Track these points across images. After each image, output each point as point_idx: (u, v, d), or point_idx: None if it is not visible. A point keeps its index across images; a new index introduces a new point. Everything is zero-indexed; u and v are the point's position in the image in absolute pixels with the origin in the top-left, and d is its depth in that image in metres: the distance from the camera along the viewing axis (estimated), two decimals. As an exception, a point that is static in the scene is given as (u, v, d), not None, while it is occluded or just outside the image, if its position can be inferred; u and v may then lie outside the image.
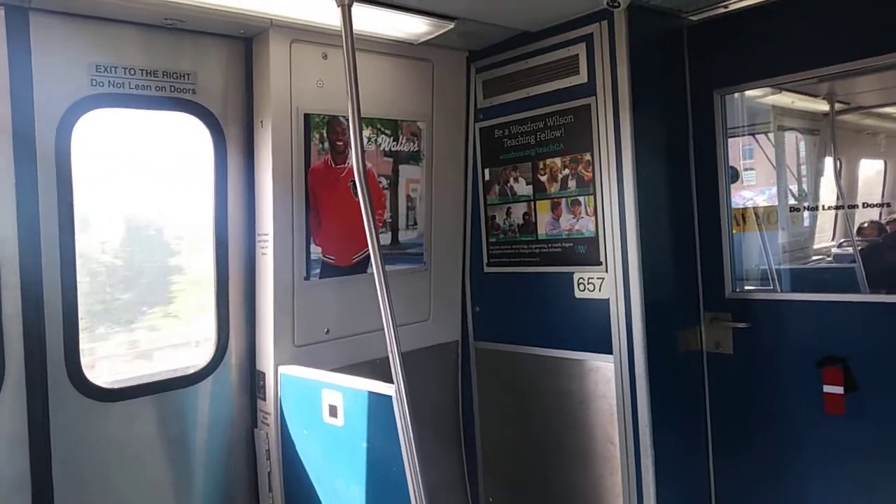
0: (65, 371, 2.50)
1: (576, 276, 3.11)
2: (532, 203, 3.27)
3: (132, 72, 2.60)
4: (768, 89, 3.26)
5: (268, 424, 2.93)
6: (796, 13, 2.87)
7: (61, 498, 2.49)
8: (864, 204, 3.20)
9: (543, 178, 3.21)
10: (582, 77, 3.01)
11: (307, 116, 2.87)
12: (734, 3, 2.97)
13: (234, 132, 2.89)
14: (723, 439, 3.20)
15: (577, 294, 3.10)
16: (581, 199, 3.07)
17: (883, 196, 3.27)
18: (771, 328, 3.04)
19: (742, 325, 3.10)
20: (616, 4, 2.69)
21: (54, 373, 2.47)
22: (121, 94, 2.58)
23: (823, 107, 3.37)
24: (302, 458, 2.79)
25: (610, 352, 2.98)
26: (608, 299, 2.98)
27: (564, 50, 3.06)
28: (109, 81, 2.54)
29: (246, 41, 2.88)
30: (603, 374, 3.03)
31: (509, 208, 3.37)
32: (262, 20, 2.67)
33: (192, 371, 2.89)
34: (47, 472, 2.47)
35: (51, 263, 2.45)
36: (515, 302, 3.39)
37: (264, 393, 2.94)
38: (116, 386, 2.68)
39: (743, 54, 3.04)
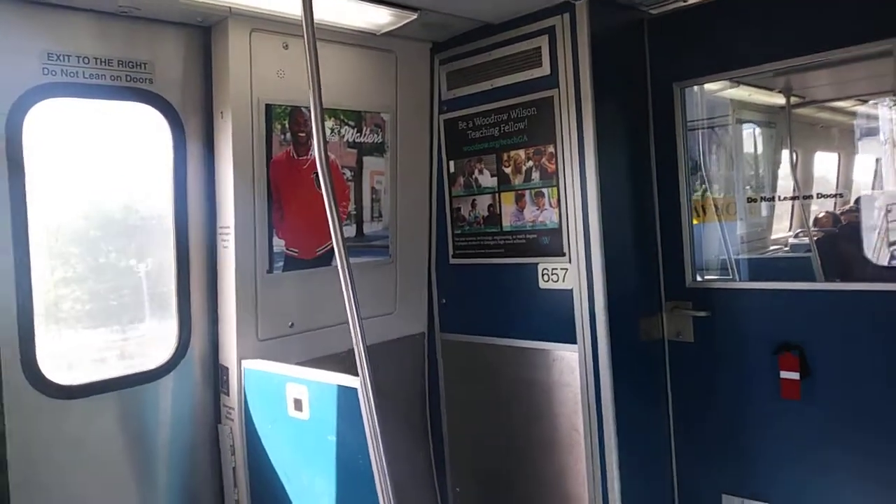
0: (20, 368, 2.43)
1: (540, 267, 3.13)
2: (497, 195, 3.29)
3: (86, 60, 2.53)
4: (727, 83, 3.32)
5: (232, 420, 2.90)
6: (753, 8, 2.93)
7: (18, 500, 2.42)
8: (818, 194, 3.30)
9: (508, 170, 3.22)
10: (544, 69, 3.03)
11: (268, 107, 2.83)
12: (693, -4, 3.02)
13: (193, 123, 2.84)
14: (684, 425, 3.27)
15: (542, 285, 3.13)
16: (545, 190, 3.09)
17: (837, 187, 3.36)
18: (730, 316, 3.11)
19: (702, 313, 3.16)
20: (577, -3, 2.71)
21: (8, 370, 2.40)
22: (74, 84, 2.51)
23: (780, 100, 3.45)
24: (267, 452, 2.77)
25: (574, 341, 3.02)
26: (572, 289, 3.01)
27: (527, 42, 3.07)
28: (62, 70, 2.47)
29: (205, 30, 2.83)
30: (567, 363, 3.07)
31: (474, 200, 3.38)
32: (220, 8, 2.62)
33: (153, 367, 2.83)
34: (2, 473, 2.40)
35: (3, 258, 2.38)
36: (481, 293, 3.41)
37: (228, 388, 2.91)
38: (75, 383, 2.61)
39: (701, 48, 3.10)
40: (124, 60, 2.63)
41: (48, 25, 2.45)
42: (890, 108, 2.83)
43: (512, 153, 3.19)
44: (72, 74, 2.50)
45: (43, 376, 2.50)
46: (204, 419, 2.98)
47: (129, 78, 2.65)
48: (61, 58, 2.47)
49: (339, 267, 2.08)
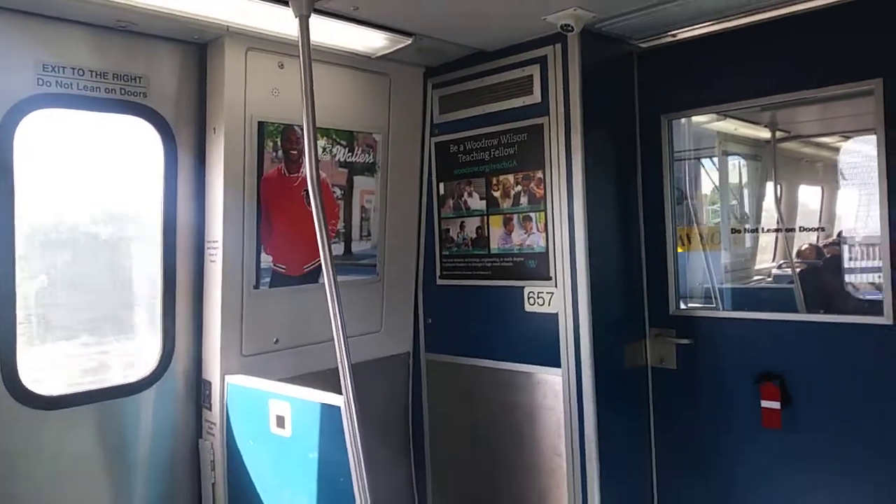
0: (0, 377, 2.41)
1: (526, 290, 3.15)
2: (485, 218, 3.32)
3: (81, 72, 2.54)
4: (713, 116, 3.39)
5: (213, 435, 2.88)
6: (739, 45, 3.01)
7: None
8: (800, 228, 3.35)
9: (496, 194, 3.26)
10: (535, 97, 3.08)
11: (261, 124, 2.86)
12: (682, 32, 3.09)
13: (185, 137, 2.86)
14: (666, 452, 3.28)
15: (528, 308, 3.15)
16: (532, 215, 3.12)
17: (820, 220, 3.42)
18: (713, 345, 3.14)
19: (685, 341, 3.19)
20: (569, 28, 2.77)
21: None
22: (68, 95, 2.52)
23: (765, 134, 3.52)
24: (248, 469, 2.74)
25: (558, 365, 3.04)
26: (557, 313, 3.03)
27: (519, 70, 3.13)
28: (57, 81, 2.48)
29: (200, 47, 2.86)
30: (551, 386, 3.08)
31: (463, 222, 3.41)
32: (217, 27, 2.65)
33: (135, 380, 2.81)
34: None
35: None
36: (467, 314, 3.42)
37: (210, 403, 2.89)
38: (55, 393, 2.58)
39: (689, 82, 3.16)
40: (119, 74, 2.65)
41: (44, 36, 2.47)
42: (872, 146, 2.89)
43: (501, 177, 3.23)
44: (66, 86, 2.51)
45: (23, 386, 2.47)
46: (185, 434, 2.95)
47: (123, 91, 2.66)
48: (56, 69, 2.48)
49: (327, 284, 2.09)
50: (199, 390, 2.97)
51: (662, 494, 3.29)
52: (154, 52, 2.75)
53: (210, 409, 2.89)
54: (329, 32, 2.77)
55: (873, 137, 2.70)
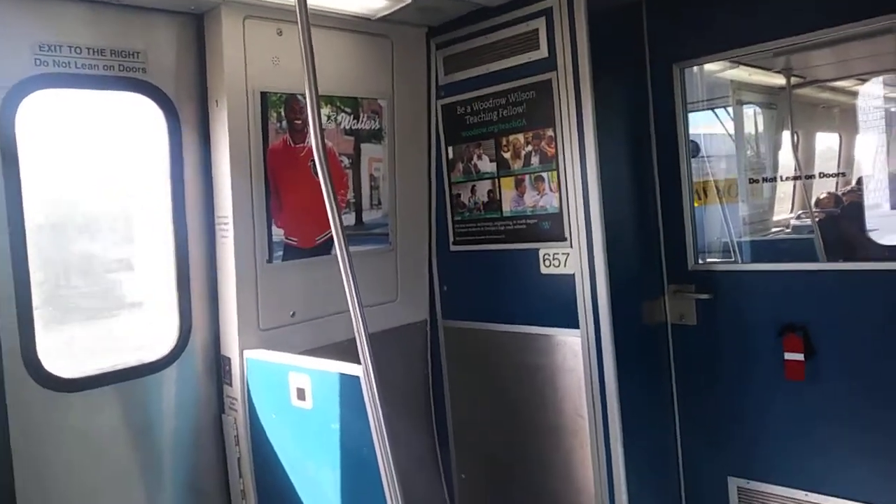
0: (21, 362, 2.42)
1: (541, 252, 3.11)
2: (496, 180, 3.26)
3: (78, 50, 2.50)
4: (726, 63, 3.29)
5: (235, 410, 2.89)
6: (752, -15, 2.90)
7: (23, 493, 2.42)
8: (819, 174, 3.27)
9: (507, 155, 3.20)
10: (542, 52, 2.99)
11: (264, 95, 2.81)
12: (691, -25, 2.99)
13: (188, 112, 2.82)
14: (688, 408, 3.27)
15: (543, 270, 3.11)
16: (544, 175, 3.07)
17: (839, 167, 3.34)
18: (733, 299, 3.10)
19: (705, 296, 3.15)
20: (575, -23, 2.68)
21: (10, 364, 2.39)
22: (67, 74, 2.48)
23: (780, 81, 3.42)
24: (271, 442, 2.76)
25: (577, 326, 3.01)
26: (573, 274, 2.99)
27: (524, 25, 3.04)
28: (55, 61, 2.44)
29: (197, 18, 2.80)
30: (570, 348, 3.06)
31: (474, 186, 3.36)
32: (213, -5, 2.59)
33: (155, 358, 2.82)
34: (7, 467, 2.39)
35: (0, 252, 2.36)
36: (482, 280, 3.39)
37: (230, 378, 2.90)
38: (77, 376, 2.59)
39: (700, 28, 3.07)
40: (117, 50, 2.60)
41: (40, 16, 2.42)
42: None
43: (511, 137, 3.17)
44: (64, 65, 2.47)
45: (44, 370, 2.48)
46: (207, 410, 2.97)
47: (122, 67, 2.61)
48: (53, 48, 2.44)
49: (339, 255, 2.07)
50: (218, 366, 2.98)
51: (686, 451, 3.29)
52: (151, 26, 2.70)
53: (231, 384, 2.90)
54: (327, -5, 2.71)
55: (894, 77, 2.61)
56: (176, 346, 2.87)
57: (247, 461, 2.88)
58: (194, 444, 2.94)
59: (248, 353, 2.82)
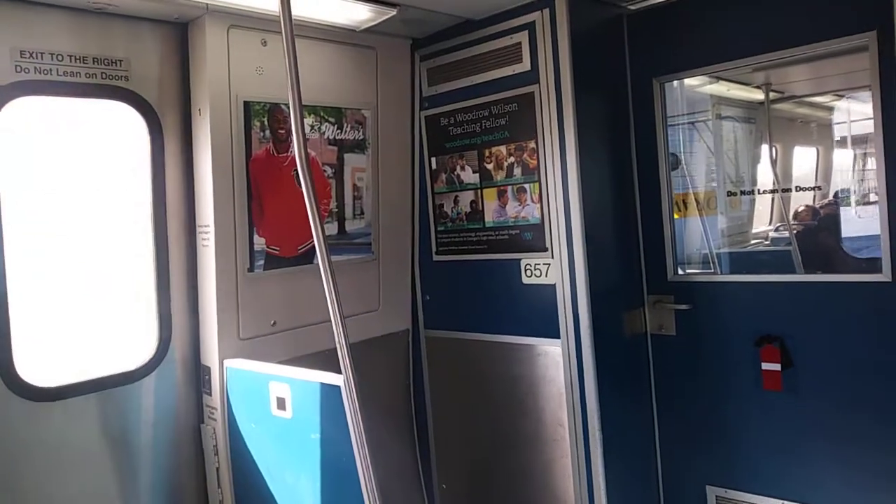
0: (-4, 371, 2.39)
1: (523, 263, 3.13)
2: (479, 191, 3.28)
3: (60, 58, 2.48)
4: (706, 78, 3.34)
5: (214, 419, 2.87)
6: (728, 3, 2.95)
7: None
8: (797, 188, 3.33)
9: (489, 166, 3.22)
10: (525, 65, 3.03)
11: (247, 104, 2.81)
12: (671, -9, 3.04)
13: (170, 121, 2.81)
14: (668, 418, 3.29)
15: (525, 280, 3.13)
16: (526, 186, 3.09)
17: (816, 180, 3.39)
18: (711, 309, 3.13)
19: (684, 306, 3.18)
20: (556, -8, 2.71)
21: None
22: (48, 81, 2.46)
23: (759, 96, 3.48)
24: (251, 452, 2.74)
25: (558, 336, 3.03)
26: (554, 284, 3.02)
27: (507, 38, 3.07)
28: (35, 68, 2.43)
29: (181, 27, 2.79)
30: (551, 358, 3.07)
31: (456, 196, 3.37)
32: (197, 5, 2.59)
33: (133, 367, 2.80)
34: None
35: None
36: (464, 289, 3.40)
37: (210, 387, 2.88)
38: (53, 385, 2.56)
39: (680, 43, 3.11)
40: (99, 58, 2.59)
41: (20, 22, 2.41)
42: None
43: (493, 149, 3.19)
44: (45, 72, 2.46)
45: (20, 379, 2.45)
46: (186, 419, 2.95)
47: (104, 75, 2.60)
48: (34, 55, 2.43)
49: (321, 264, 2.07)
50: (198, 376, 2.96)
51: (666, 460, 3.31)
52: (134, 34, 2.69)
53: (210, 394, 2.88)
54: (311, 6, 2.72)
55: (868, 94, 2.67)
56: (155, 354, 2.85)
57: (226, 471, 2.86)
58: (173, 454, 2.91)
59: (228, 363, 2.80)
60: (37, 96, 2.48)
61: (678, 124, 3.41)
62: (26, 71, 2.41)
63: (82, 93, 2.58)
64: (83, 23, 2.55)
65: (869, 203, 2.91)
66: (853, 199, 3.11)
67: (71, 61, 2.52)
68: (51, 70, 2.47)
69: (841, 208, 3.12)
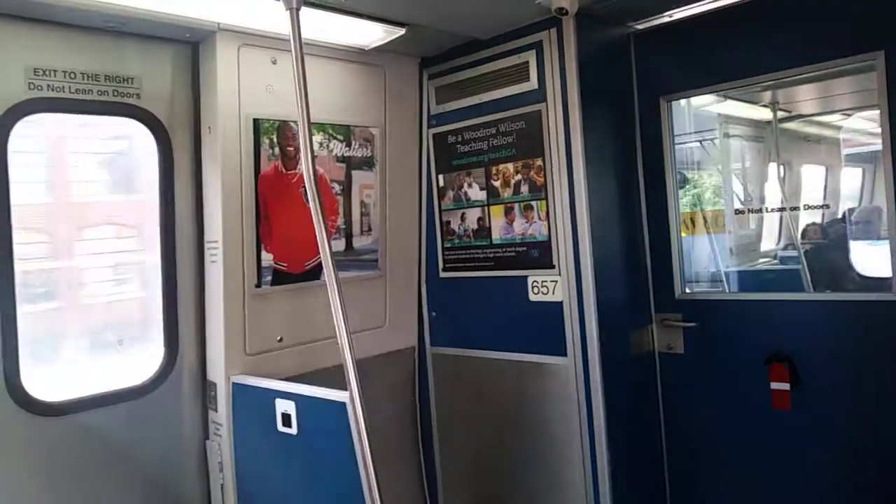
0: (3, 385, 2.40)
1: (530, 280, 3.13)
2: (486, 208, 3.29)
3: (73, 75, 2.52)
4: (714, 97, 3.35)
5: (220, 436, 2.87)
6: (735, 23, 2.97)
7: None
8: (805, 206, 3.32)
9: (497, 184, 3.23)
10: (532, 84, 3.04)
11: (256, 122, 2.83)
12: (677, 11, 3.06)
13: (181, 138, 2.84)
14: (676, 437, 3.26)
15: (532, 297, 3.13)
16: (534, 203, 3.10)
17: (824, 198, 3.39)
18: (720, 328, 3.11)
19: (692, 325, 3.16)
20: (564, 12, 2.73)
21: None
22: (60, 99, 2.50)
23: (767, 115, 3.49)
24: (256, 468, 2.73)
25: (565, 354, 3.01)
26: (562, 302, 3.01)
27: (515, 57, 3.09)
28: (48, 85, 2.46)
29: (192, 45, 2.83)
30: (559, 376, 3.05)
31: (464, 213, 3.38)
32: (208, 24, 2.63)
33: (140, 383, 2.80)
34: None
35: None
36: (471, 306, 3.40)
37: (216, 403, 2.88)
38: (59, 399, 2.57)
39: (686, 62, 3.13)
40: (111, 75, 2.62)
41: (34, 40, 2.44)
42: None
43: (501, 167, 3.20)
44: (58, 89, 2.49)
45: (27, 393, 2.46)
46: (192, 435, 2.94)
47: (116, 93, 2.64)
48: (47, 73, 2.46)
49: (328, 281, 2.08)
50: (204, 391, 2.95)
51: (674, 479, 3.28)
52: (146, 53, 2.73)
53: (216, 409, 2.88)
54: (321, 26, 2.75)
55: (876, 113, 2.67)
56: (162, 370, 2.85)
57: (231, 488, 2.84)
58: (178, 470, 2.90)
59: (234, 378, 2.80)
60: (49, 113, 2.52)
61: (686, 143, 3.42)
62: (39, 88, 2.45)
63: (94, 110, 2.61)
64: (96, 41, 2.59)
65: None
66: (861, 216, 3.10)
67: (83, 79, 2.55)
68: (64, 88, 2.50)
69: (849, 227, 3.11)
